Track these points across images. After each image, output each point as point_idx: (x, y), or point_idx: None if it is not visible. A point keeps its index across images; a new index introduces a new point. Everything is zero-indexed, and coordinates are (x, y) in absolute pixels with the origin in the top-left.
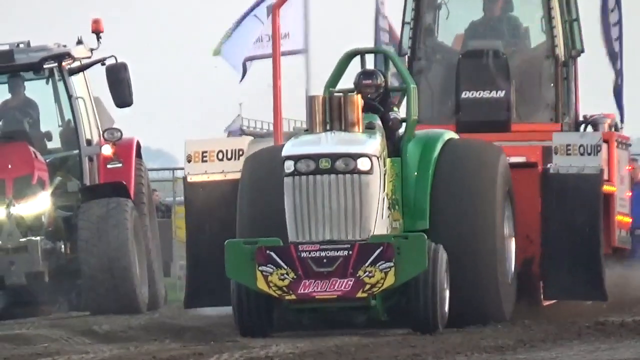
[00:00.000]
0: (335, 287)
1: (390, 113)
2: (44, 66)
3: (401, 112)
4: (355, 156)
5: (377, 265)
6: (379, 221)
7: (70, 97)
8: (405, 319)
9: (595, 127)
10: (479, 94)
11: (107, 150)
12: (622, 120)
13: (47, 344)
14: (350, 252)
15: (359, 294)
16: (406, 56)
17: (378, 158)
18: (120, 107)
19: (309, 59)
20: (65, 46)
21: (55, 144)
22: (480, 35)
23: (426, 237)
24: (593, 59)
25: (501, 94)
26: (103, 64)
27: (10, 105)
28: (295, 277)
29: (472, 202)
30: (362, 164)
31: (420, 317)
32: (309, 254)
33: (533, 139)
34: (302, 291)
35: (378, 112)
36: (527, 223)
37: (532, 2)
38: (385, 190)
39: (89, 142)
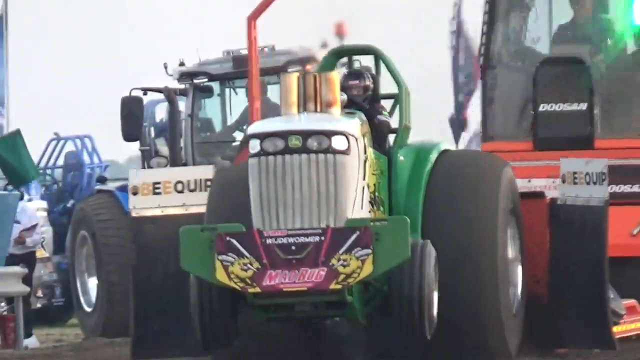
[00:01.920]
0: (306, 278)
1: (378, 116)
2: (289, 70)
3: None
4: (330, 133)
5: (353, 252)
6: (358, 211)
7: None
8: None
9: None
10: (558, 107)
11: None
12: None
13: None
14: (323, 238)
15: (333, 285)
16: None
17: (357, 139)
18: None
19: None
20: (309, 50)
21: None
22: (567, 40)
23: (409, 222)
24: None
25: (583, 106)
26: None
27: None
28: (259, 267)
29: (469, 220)
30: (338, 142)
31: (405, 320)
32: (275, 240)
33: (619, 157)
34: (267, 283)
35: (364, 111)
36: (536, 261)
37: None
38: (366, 180)
39: None
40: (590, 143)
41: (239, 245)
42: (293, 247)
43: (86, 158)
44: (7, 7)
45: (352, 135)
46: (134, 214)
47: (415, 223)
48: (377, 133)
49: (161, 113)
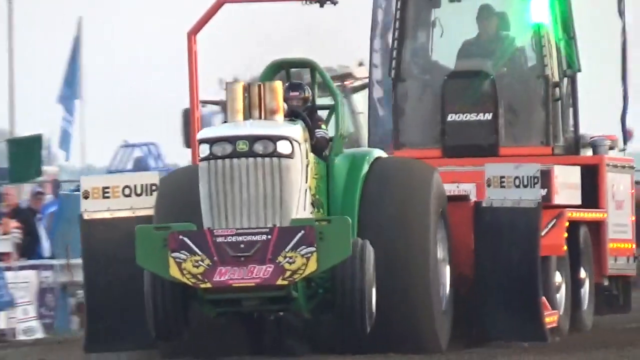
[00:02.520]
0: (254, 274)
1: (317, 131)
2: None
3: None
4: (275, 138)
5: (298, 250)
6: (301, 212)
7: (353, 112)
8: (330, 317)
9: (595, 150)
10: (465, 117)
11: None
12: (624, 142)
13: None
14: (270, 237)
15: (279, 281)
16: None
17: (300, 144)
18: None
19: None
20: (347, 67)
21: None
22: (472, 54)
23: (350, 222)
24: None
25: (488, 116)
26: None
27: None
28: (210, 263)
29: (402, 222)
30: (282, 147)
31: (348, 314)
32: (225, 238)
33: (522, 163)
34: (217, 278)
35: (305, 122)
36: (461, 259)
37: (529, 19)
38: (308, 183)
39: None
40: (496, 150)
41: (191, 243)
42: (242, 245)
43: (152, 163)
44: (82, 29)
45: (296, 140)
46: (85, 217)
47: (352, 225)
48: (317, 145)
49: (217, 123)
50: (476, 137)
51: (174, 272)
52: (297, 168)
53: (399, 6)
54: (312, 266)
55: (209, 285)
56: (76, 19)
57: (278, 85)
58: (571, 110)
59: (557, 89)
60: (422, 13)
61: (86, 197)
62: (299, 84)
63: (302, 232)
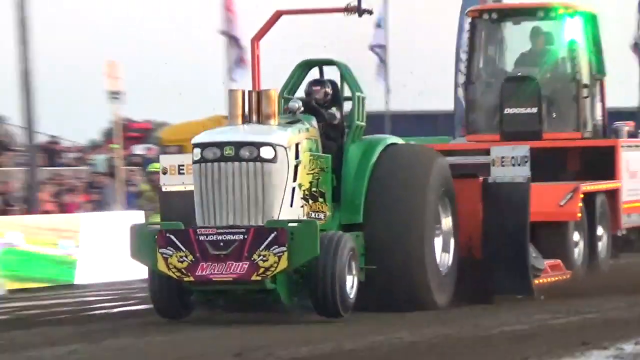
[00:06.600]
0: (231, 270)
1: (327, 112)
2: None
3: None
4: (259, 145)
5: (271, 249)
6: (286, 210)
7: None
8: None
9: (617, 134)
10: (518, 110)
11: None
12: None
13: None
14: (246, 237)
15: (254, 277)
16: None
17: (286, 148)
18: None
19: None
20: None
21: None
22: (524, 63)
23: (319, 224)
24: None
25: (534, 110)
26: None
27: None
28: (193, 259)
29: (402, 196)
30: (265, 152)
31: (321, 303)
32: (207, 237)
33: (561, 145)
34: (199, 273)
35: (318, 114)
36: (471, 230)
37: (565, 37)
38: (298, 181)
39: None
40: (540, 136)
41: (176, 241)
42: (221, 244)
43: None
44: None
45: (280, 145)
46: (163, 189)
47: (358, 206)
48: (331, 127)
49: None
50: (525, 125)
51: (161, 266)
52: (280, 171)
53: (468, 29)
54: (283, 264)
55: (191, 278)
56: None
57: (273, 93)
58: (599, 105)
59: (586, 89)
60: (490, 32)
61: (165, 173)
62: (321, 80)
63: (275, 233)
